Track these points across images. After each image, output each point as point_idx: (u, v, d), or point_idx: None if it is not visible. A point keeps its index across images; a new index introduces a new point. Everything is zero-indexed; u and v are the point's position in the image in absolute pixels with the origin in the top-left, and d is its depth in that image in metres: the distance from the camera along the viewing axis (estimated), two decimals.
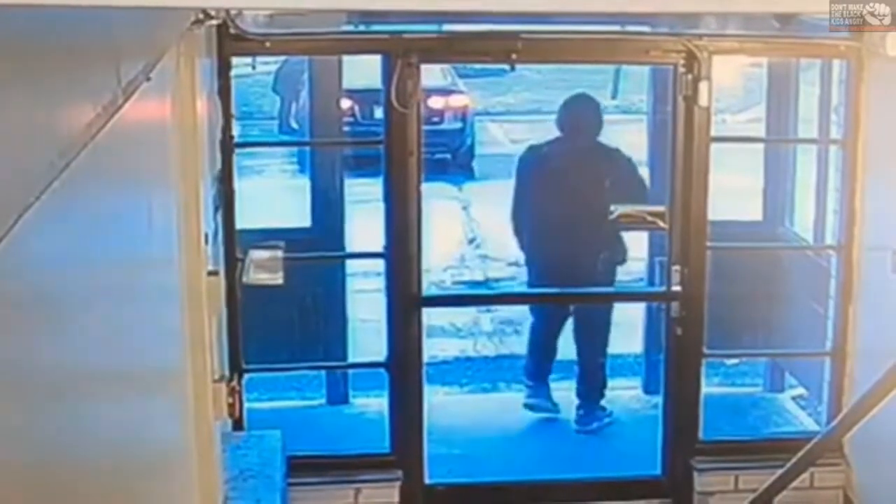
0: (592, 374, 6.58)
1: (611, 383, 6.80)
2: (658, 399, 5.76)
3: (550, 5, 1.80)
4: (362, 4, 2.04)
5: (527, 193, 6.49)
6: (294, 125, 12.95)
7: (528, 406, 6.60)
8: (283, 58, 10.82)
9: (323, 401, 6.62)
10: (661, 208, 5.49)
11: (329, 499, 5.27)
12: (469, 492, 5.59)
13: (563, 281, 6.28)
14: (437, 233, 9.14)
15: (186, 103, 3.39)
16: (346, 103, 7.90)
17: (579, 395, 6.56)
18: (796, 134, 6.76)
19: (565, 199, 6.30)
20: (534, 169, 6.52)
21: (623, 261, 6.46)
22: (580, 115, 6.53)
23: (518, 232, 6.60)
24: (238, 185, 5.20)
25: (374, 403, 6.15)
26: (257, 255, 4.89)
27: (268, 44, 5.10)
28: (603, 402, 6.52)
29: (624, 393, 6.86)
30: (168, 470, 2.85)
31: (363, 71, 6.94)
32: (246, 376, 5.23)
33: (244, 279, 4.90)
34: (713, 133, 5.34)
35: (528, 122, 14.99)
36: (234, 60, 5.17)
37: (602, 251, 6.31)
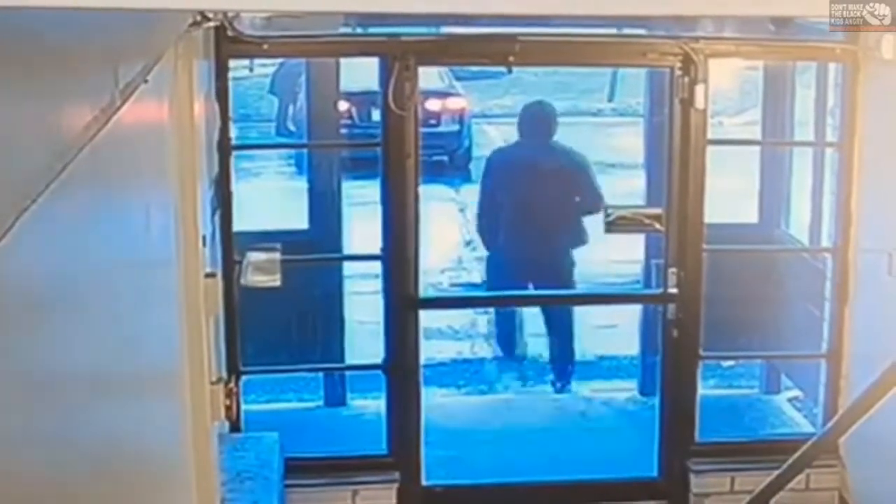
0: (563, 344, 7.22)
1: (607, 385, 6.81)
2: (654, 401, 5.77)
3: (548, 8, 1.81)
4: (360, 6, 2.05)
5: (495, 191, 6.99)
6: (291, 127, 12.94)
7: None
8: (280, 60, 10.82)
9: (320, 402, 6.62)
10: (657, 210, 5.50)
11: (327, 500, 5.28)
12: (466, 493, 5.59)
13: (528, 265, 6.84)
14: (435, 235, 9.14)
15: (184, 105, 3.40)
16: (343, 105, 7.90)
17: (552, 361, 7.20)
18: (792, 136, 6.78)
19: (530, 191, 6.84)
20: (500, 169, 7.09)
21: (584, 242, 7.05)
22: (536, 118, 7.18)
23: (482, 228, 7.13)
24: (235, 187, 5.21)
25: (371, 405, 6.15)
26: (255, 257, 4.90)
27: (265, 46, 5.11)
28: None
29: (620, 394, 6.88)
30: (165, 472, 2.86)
31: (360, 73, 6.95)
32: (243, 378, 5.24)
33: (242, 281, 4.91)
34: (709, 136, 5.36)
35: None
36: (232, 63, 5.18)
37: (564, 235, 6.96)
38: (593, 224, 6.75)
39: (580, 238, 7.01)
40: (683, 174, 5.28)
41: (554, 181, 6.89)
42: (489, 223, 7.09)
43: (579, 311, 7.59)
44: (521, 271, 6.87)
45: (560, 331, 7.26)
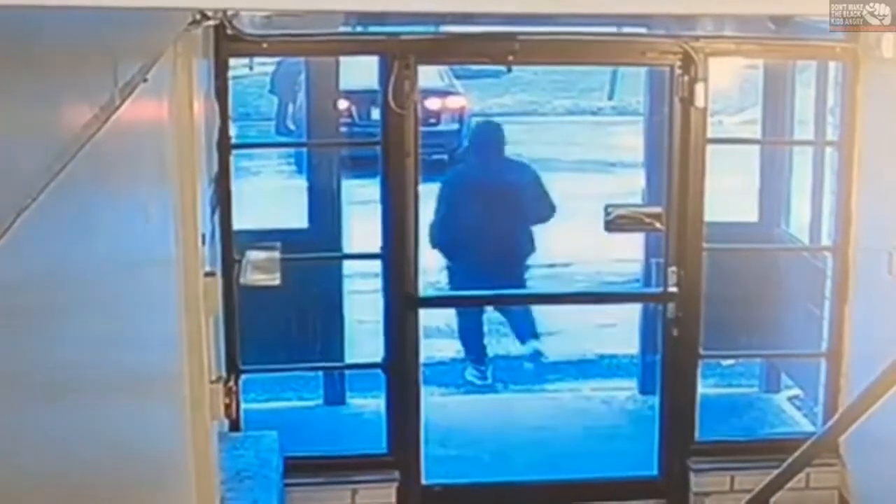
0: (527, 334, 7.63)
1: (607, 384, 6.80)
2: (654, 400, 5.77)
3: (547, 6, 1.81)
4: (360, 5, 2.05)
5: (452, 207, 7.26)
6: (291, 126, 12.92)
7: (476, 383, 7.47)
8: (278, 59, 10.80)
9: (320, 401, 6.62)
10: (657, 209, 5.50)
11: (326, 499, 5.28)
12: (466, 492, 5.59)
13: (487, 273, 7.19)
14: None
15: (183, 104, 3.40)
16: (343, 104, 7.89)
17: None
18: (792, 135, 6.77)
19: (487, 204, 7.18)
20: (457, 186, 7.45)
21: (533, 250, 7.47)
22: (486, 136, 7.57)
23: (442, 242, 7.26)
24: (235, 185, 5.20)
25: (371, 404, 6.15)
26: (254, 255, 4.89)
27: (265, 45, 5.10)
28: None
29: (620, 394, 6.88)
30: (165, 471, 2.86)
31: (360, 72, 6.94)
32: (243, 377, 5.23)
33: (241, 280, 4.90)
34: (709, 134, 5.35)
35: (525, 123, 14.99)
36: (232, 61, 5.18)
37: (520, 244, 7.38)
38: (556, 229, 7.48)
39: (532, 246, 7.47)
40: (683, 173, 5.28)
41: (508, 194, 7.25)
42: (447, 237, 7.31)
43: (579, 310, 7.59)
44: (482, 280, 7.19)
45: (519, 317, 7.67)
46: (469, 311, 7.59)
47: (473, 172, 7.56)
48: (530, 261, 7.54)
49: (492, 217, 7.19)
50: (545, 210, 7.32)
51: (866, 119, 5.21)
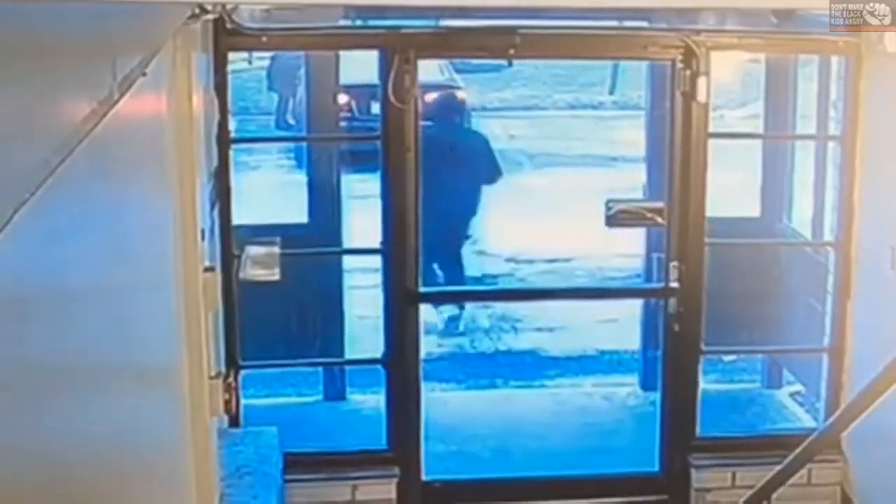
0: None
1: (608, 379, 6.78)
2: (656, 395, 5.75)
3: (548, 1, 1.79)
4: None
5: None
6: (291, 121, 12.90)
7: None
8: (272, 56, 10.77)
9: (320, 397, 6.61)
10: (659, 204, 5.48)
11: (326, 495, 5.26)
12: (466, 488, 5.58)
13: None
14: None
15: (183, 98, 3.38)
16: (343, 99, 7.88)
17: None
18: (794, 130, 6.75)
19: (444, 166, 7.64)
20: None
21: (474, 214, 8.40)
22: (445, 104, 8.38)
23: None
24: (234, 180, 5.19)
25: (371, 400, 6.14)
26: (254, 251, 4.88)
27: (264, 39, 5.09)
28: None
29: (621, 389, 6.87)
30: (164, 467, 2.84)
31: (360, 66, 6.92)
32: (242, 373, 5.22)
33: (241, 275, 4.88)
34: (711, 129, 5.33)
35: (526, 117, 14.99)
36: (231, 56, 5.16)
37: (468, 205, 8.22)
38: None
39: (476, 208, 8.24)
40: (685, 168, 5.26)
41: (462, 157, 7.91)
42: None
43: (580, 306, 7.57)
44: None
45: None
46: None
47: (430, 134, 7.78)
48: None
49: (443, 176, 7.56)
50: (492, 173, 8.13)
51: (869, 113, 5.19)
